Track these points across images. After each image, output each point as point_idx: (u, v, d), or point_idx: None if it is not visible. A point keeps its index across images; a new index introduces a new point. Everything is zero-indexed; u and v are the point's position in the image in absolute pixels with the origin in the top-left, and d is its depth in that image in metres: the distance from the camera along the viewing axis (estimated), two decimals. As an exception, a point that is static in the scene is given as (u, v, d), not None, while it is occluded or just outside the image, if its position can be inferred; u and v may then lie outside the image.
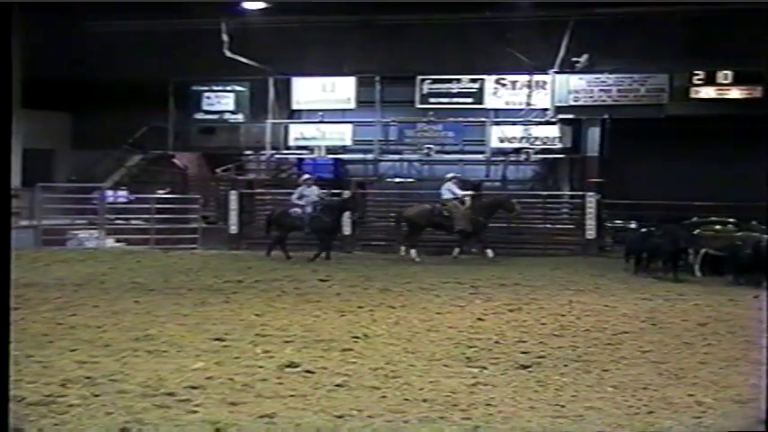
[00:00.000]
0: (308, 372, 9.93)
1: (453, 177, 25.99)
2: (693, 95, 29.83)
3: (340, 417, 8.15)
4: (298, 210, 25.44)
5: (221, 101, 34.90)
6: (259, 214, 30.01)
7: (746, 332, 13.11)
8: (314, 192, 25.81)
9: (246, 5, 31.68)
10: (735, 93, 29.48)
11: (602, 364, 10.76)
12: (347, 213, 26.68)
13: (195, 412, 8.18)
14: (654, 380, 9.96)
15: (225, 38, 32.59)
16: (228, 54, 32.50)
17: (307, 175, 27.59)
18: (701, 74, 29.67)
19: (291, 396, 8.87)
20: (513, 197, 26.82)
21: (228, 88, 34.73)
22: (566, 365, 10.63)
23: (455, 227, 25.01)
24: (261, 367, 10.12)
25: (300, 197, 25.64)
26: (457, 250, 25.10)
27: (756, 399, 8.97)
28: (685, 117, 29.07)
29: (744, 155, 27.68)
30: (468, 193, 26.19)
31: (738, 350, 11.70)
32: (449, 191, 25.43)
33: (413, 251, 24.86)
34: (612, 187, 28.55)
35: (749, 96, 29.19)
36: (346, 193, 28.00)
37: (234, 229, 29.11)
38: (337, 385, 9.32)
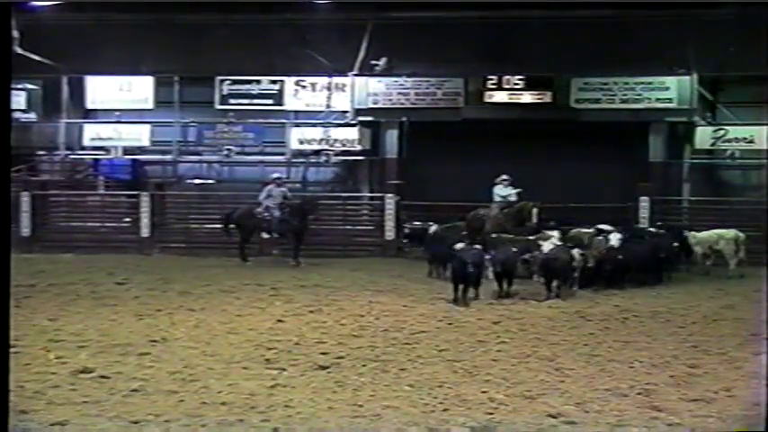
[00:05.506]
0: (102, 377, 9.76)
1: None
2: (488, 99, 30.51)
3: (136, 422, 8.04)
4: (261, 210, 24.42)
5: (12, 99, 33.64)
6: (53, 216, 29.20)
7: (537, 330, 13.62)
8: (280, 192, 24.86)
9: (36, 2, 30.60)
10: (526, 97, 30.34)
11: (399, 363, 10.95)
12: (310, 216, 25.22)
13: (-18, 422, 7.89)
14: (449, 377, 10.22)
15: (15, 34, 31.42)
16: (19, 51, 31.32)
17: (277, 174, 26.18)
18: (494, 78, 30.42)
19: (85, 402, 8.69)
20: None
21: (20, 86, 33.41)
22: (364, 365, 10.78)
23: None
24: (53, 373, 9.88)
25: (268, 196, 24.60)
26: None
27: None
28: (480, 120, 29.73)
29: (537, 156, 28.71)
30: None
31: (529, 347, 12.14)
32: None
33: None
34: (411, 189, 29.00)
35: (540, 101, 30.09)
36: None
37: (26, 231, 28.19)
38: (133, 390, 9.19)
